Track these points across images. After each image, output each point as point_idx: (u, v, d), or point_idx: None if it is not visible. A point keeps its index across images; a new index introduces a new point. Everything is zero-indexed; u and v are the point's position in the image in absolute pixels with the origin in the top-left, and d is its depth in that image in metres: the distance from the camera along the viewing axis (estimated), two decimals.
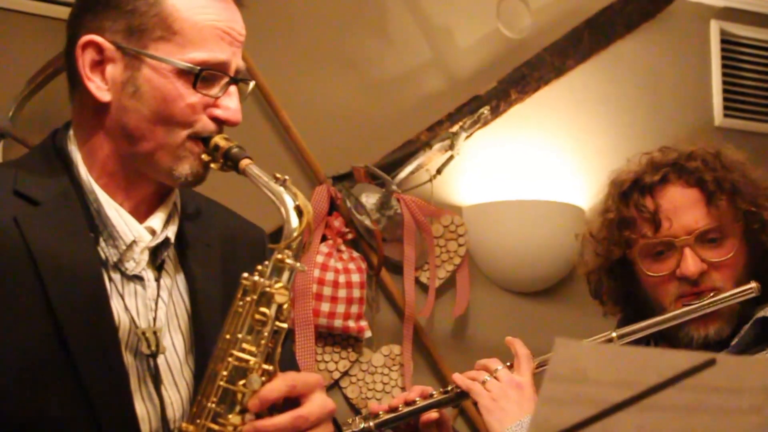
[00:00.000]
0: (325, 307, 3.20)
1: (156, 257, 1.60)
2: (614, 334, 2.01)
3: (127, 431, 1.50)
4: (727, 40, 4.04)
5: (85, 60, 1.55)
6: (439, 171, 3.43)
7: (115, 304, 1.54)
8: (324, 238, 3.27)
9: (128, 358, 1.53)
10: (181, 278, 1.63)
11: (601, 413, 1.08)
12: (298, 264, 1.50)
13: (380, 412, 2.05)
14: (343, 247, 3.29)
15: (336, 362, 3.29)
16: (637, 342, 2.03)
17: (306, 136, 3.34)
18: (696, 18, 4.01)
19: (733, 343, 1.99)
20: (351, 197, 3.30)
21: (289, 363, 1.71)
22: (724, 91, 4.01)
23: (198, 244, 1.65)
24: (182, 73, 1.53)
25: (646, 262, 2.05)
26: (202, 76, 1.54)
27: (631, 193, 2.08)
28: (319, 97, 3.42)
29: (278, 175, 1.51)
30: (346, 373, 3.31)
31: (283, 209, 1.49)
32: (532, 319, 3.57)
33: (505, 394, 1.94)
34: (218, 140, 1.56)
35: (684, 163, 2.06)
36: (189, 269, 1.63)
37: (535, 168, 3.63)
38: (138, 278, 1.58)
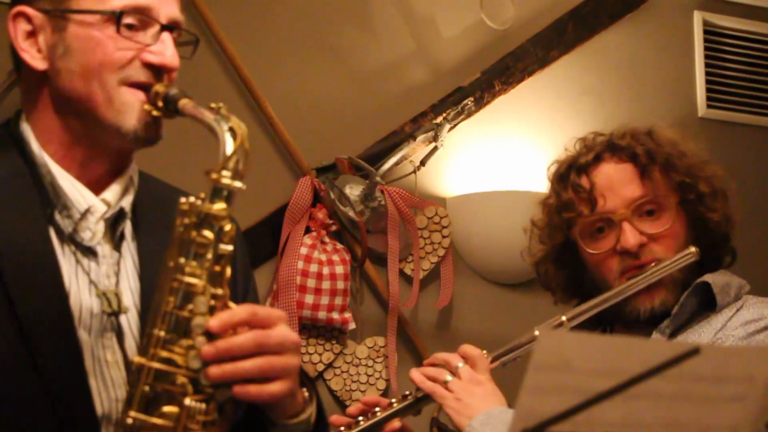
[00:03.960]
0: (309, 298, 3.19)
1: (114, 231, 1.60)
2: (564, 318, 2.01)
3: (80, 406, 1.49)
4: (710, 31, 4.05)
5: (17, 32, 1.57)
6: (423, 162, 3.43)
7: (71, 277, 1.53)
8: (308, 230, 3.27)
9: (82, 334, 1.52)
10: (137, 254, 1.62)
11: (585, 402, 1.08)
12: (236, 183, 1.46)
13: (341, 428, 2.02)
14: (326, 239, 3.29)
15: (320, 354, 3.29)
16: (587, 323, 2.03)
17: (289, 127, 3.33)
18: (679, 9, 4.02)
19: (675, 311, 2.00)
20: (335, 189, 3.30)
21: None
22: (707, 81, 4.01)
23: (157, 225, 1.63)
24: (107, 21, 1.53)
25: (587, 241, 2.06)
26: (128, 24, 1.53)
27: (567, 176, 2.10)
28: (303, 89, 3.42)
29: (213, 105, 1.50)
30: (330, 365, 3.30)
31: (218, 132, 1.47)
32: (516, 310, 3.57)
33: (468, 392, 1.93)
34: (157, 87, 1.55)
35: (616, 141, 2.09)
36: (144, 247, 1.62)
37: (519, 159, 3.63)
38: (92, 252, 1.57)
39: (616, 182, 2.05)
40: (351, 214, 3.29)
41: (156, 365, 1.42)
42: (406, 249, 3.42)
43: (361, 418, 2.00)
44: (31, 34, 1.56)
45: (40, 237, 1.52)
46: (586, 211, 2.05)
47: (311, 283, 3.20)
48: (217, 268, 1.44)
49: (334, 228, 3.31)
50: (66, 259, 1.54)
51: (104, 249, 1.58)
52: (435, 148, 3.41)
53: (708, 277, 2.02)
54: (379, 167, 3.37)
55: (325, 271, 3.22)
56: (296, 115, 3.37)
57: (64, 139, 1.58)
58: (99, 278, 1.57)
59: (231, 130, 1.47)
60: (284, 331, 1.45)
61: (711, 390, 1.16)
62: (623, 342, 1.21)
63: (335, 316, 3.24)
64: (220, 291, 1.44)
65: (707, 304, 2.02)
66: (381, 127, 3.47)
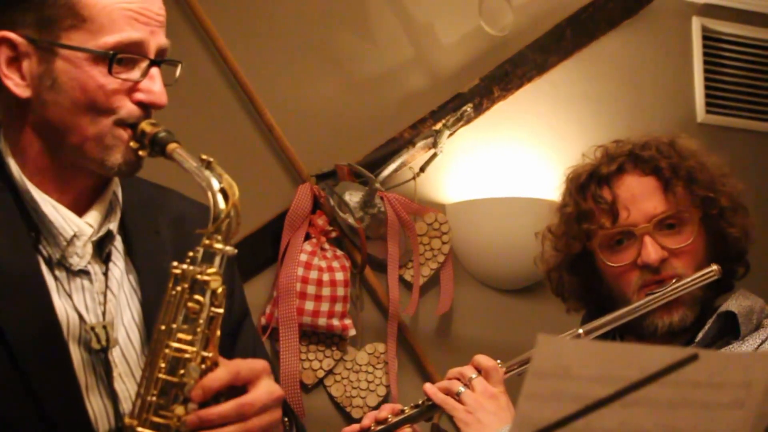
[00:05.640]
0: (309, 305, 3.20)
1: (101, 250, 1.59)
2: (581, 331, 2.00)
3: (79, 427, 1.49)
4: (708, 37, 4.06)
5: (0, 57, 1.53)
6: (422, 169, 3.43)
7: (62, 303, 1.53)
8: (308, 237, 3.27)
9: (82, 355, 1.52)
10: (131, 269, 1.61)
11: (584, 409, 1.08)
12: (228, 248, 1.47)
13: None
14: (326, 246, 3.29)
15: (320, 361, 3.29)
16: (602, 335, 2.02)
17: (289, 134, 3.33)
18: (678, 15, 4.03)
19: (698, 338, 2.00)
20: (334, 195, 3.30)
21: (252, 350, 1.70)
22: (706, 87, 4.02)
23: (145, 233, 1.63)
24: (97, 60, 1.51)
25: (606, 253, 2.04)
26: (117, 59, 1.51)
27: (587, 186, 2.08)
28: (302, 96, 3.42)
29: (203, 157, 1.48)
30: (330, 372, 3.30)
31: (209, 192, 1.46)
32: (516, 316, 3.57)
33: (481, 406, 1.91)
34: (144, 126, 1.53)
35: (639, 152, 2.06)
36: (137, 260, 1.61)
37: (518, 165, 3.63)
38: (84, 273, 1.56)
39: (639, 195, 2.02)
40: (350, 220, 3.29)
41: (147, 431, 1.45)
42: (405, 255, 3.42)
43: (372, 426, 1.99)
44: (14, 60, 1.53)
45: (27, 263, 1.51)
46: (607, 223, 2.03)
47: (311, 289, 3.20)
48: (208, 331, 1.46)
49: (333, 235, 3.31)
50: (56, 283, 1.53)
51: (95, 268, 1.57)
52: (434, 155, 3.42)
53: (733, 305, 2.00)
54: (378, 174, 3.37)
55: (325, 277, 3.23)
56: (296, 122, 3.37)
57: (43, 162, 1.56)
58: (93, 295, 1.56)
59: (222, 191, 1.46)
60: (267, 391, 1.47)
61: (709, 396, 1.16)
62: (622, 348, 1.21)
63: (335, 322, 3.24)
64: (210, 354, 1.46)
65: (728, 329, 2.01)
66: (380, 133, 3.48)
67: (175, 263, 1.47)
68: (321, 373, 3.29)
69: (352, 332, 3.30)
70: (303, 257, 3.22)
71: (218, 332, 1.47)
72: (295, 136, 3.34)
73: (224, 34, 3.28)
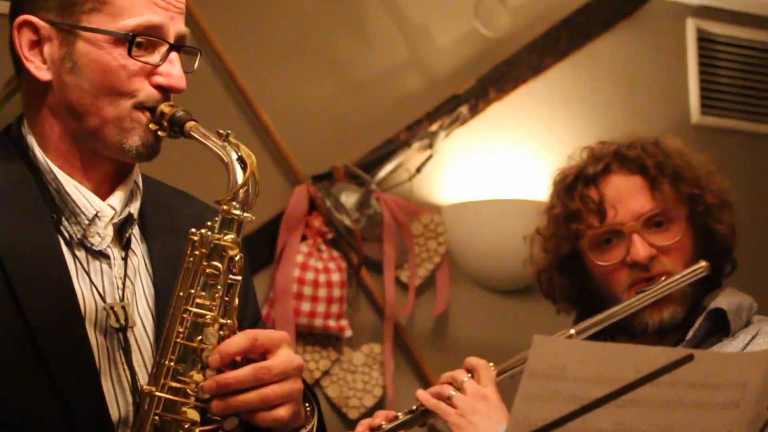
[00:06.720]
0: (306, 306, 3.20)
1: (122, 235, 1.60)
2: (572, 331, 2.01)
3: (94, 410, 1.49)
4: (703, 38, 4.07)
5: (22, 41, 1.55)
6: (418, 170, 3.44)
7: (81, 283, 1.53)
8: (304, 238, 3.28)
9: (97, 336, 1.52)
10: (148, 259, 1.63)
11: (579, 410, 1.08)
12: (245, 214, 1.49)
13: None
14: (323, 247, 3.30)
15: (317, 362, 3.29)
16: (594, 335, 2.03)
17: (285, 136, 3.34)
18: (672, 16, 4.04)
19: (689, 336, 2.01)
20: (331, 197, 3.31)
21: (253, 320, 1.71)
22: (701, 88, 4.03)
23: (163, 228, 1.65)
24: (117, 42, 1.52)
25: (595, 252, 2.05)
26: (137, 42, 1.52)
27: (574, 186, 2.09)
28: (299, 97, 3.43)
29: (221, 131, 1.51)
30: (326, 373, 3.31)
31: (227, 161, 1.48)
32: (512, 317, 3.58)
33: (473, 409, 1.92)
34: (163, 107, 1.55)
35: (624, 152, 2.08)
36: (154, 251, 1.63)
37: (513, 166, 3.64)
38: (104, 255, 1.57)
39: (626, 194, 2.04)
40: (347, 222, 3.30)
41: (165, 395, 1.45)
42: (401, 256, 3.43)
43: None
44: (36, 44, 1.55)
45: (48, 243, 1.52)
46: (595, 223, 2.04)
47: (307, 290, 3.20)
48: (227, 299, 1.47)
49: (330, 236, 3.32)
50: (75, 264, 1.54)
51: (114, 252, 1.58)
52: (430, 156, 3.43)
53: (722, 302, 2.01)
54: (374, 175, 3.38)
55: (322, 278, 3.23)
56: (292, 124, 3.38)
57: (65, 146, 1.58)
58: (112, 279, 1.57)
59: (240, 159, 1.48)
60: (286, 359, 1.47)
61: (704, 397, 1.17)
62: (617, 349, 1.22)
63: (332, 323, 3.25)
64: (229, 321, 1.47)
65: (718, 327, 2.02)
66: (376, 135, 3.48)
67: (193, 230, 1.48)
68: (317, 374, 3.29)
69: (349, 333, 3.30)
70: (299, 258, 3.22)
71: (236, 301, 1.48)
72: (291, 138, 3.34)
73: (221, 36, 3.28)
